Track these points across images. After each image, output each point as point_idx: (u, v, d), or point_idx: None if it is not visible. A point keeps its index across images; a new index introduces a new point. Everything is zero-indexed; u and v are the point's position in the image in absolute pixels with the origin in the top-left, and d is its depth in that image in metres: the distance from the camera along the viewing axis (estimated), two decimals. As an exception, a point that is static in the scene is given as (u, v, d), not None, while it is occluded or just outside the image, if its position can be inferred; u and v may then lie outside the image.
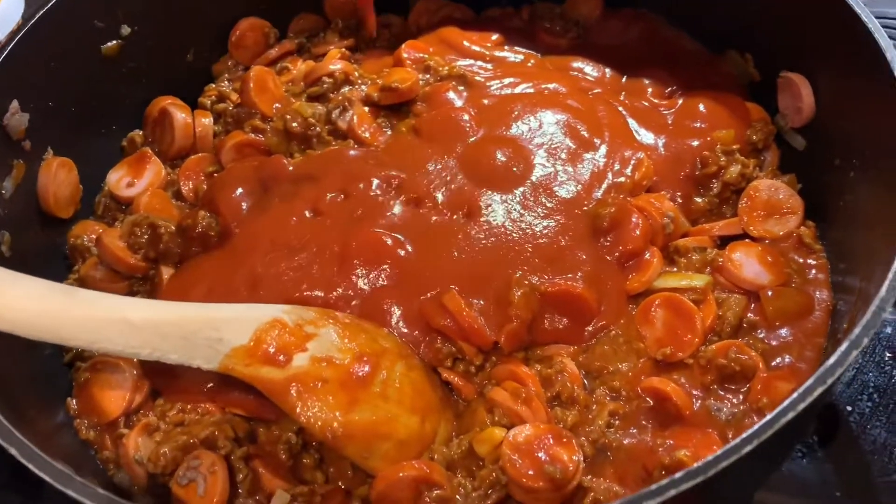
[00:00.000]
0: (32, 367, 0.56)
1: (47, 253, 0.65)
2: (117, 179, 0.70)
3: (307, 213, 0.64)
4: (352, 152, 0.68)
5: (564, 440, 0.51)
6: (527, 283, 0.57)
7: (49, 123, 0.64)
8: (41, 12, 0.62)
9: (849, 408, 0.64)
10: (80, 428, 0.57)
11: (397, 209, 0.64)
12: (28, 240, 0.61)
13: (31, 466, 0.40)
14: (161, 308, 0.51)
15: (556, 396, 0.55)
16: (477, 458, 0.53)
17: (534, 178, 0.64)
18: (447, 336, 0.56)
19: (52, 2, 0.63)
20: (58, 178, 0.64)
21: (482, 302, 0.57)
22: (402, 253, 0.61)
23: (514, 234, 0.60)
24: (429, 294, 0.58)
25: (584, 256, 0.59)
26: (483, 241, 0.60)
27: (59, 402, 0.58)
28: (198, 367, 0.51)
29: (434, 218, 0.63)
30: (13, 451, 0.40)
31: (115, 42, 0.70)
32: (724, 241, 0.63)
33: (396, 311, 0.58)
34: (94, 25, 0.68)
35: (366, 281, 0.60)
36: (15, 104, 0.60)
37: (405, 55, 0.75)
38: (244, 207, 0.65)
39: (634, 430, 0.54)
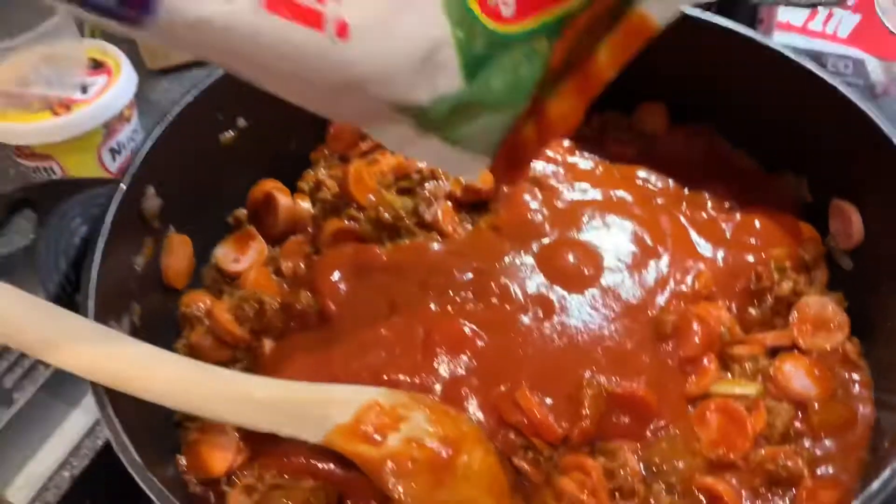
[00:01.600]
0: (149, 425, 0.62)
1: (162, 320, 0.72)
2: (224, 255, 0.78)
3: (395, 301, 0.71)
4: (436, 245, 0.76)
5: (625, 529, 0.57)
6: (596, 384, 0.63)
7: (173, 205, 0.72)
8: (178, 109, 0.71)
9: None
10: (189, 483, 0.63)
11: (476, 302, 0.71)
12: (150, 309, 0.69)
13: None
14: (280, 387, 0.58)
15: (618, 488, 0.60)
16: (544, 540, 0.59)
17: (603, 282, 0.71)
18: (520, 430, 0.62)
19: (185, 101, 0.72)
20: (177, 253, 0.72)
21: (552, 399, 0.63)
22: (481, 344, 0.67)
23: (585, 335, 0.67)
24: (503, 387, 0.64)
25: (648, 360, 0.66)
26: (555, 339, 0.67)
27: (169, 457, 0.64)
28: (304, 440, 0.58)
29: (510, 312, 0.70)
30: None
31: (231, 133, 0.78)
32: (774, 351, 0.69)
33: (474, 400, 0.64)
34: (217, 119, 0.76)
35: (446, 369, 0.66)
36: (151, 190, 0.68)
37: (487, 157, 0.82)
38: (341, 290, 0.72)
39: (688, 525, 0.60)
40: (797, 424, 0.65)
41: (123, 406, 0.55)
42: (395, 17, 0.41)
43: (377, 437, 0.58)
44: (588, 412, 0.61)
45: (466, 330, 0.68)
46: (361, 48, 0.40)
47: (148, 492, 0.49)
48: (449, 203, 0.79)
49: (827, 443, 0.64)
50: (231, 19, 0.35)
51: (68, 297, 0.62)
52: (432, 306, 0.70)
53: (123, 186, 0.65)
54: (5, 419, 0.75)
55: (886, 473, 0.47)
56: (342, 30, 0.39)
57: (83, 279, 0.60)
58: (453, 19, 0.44)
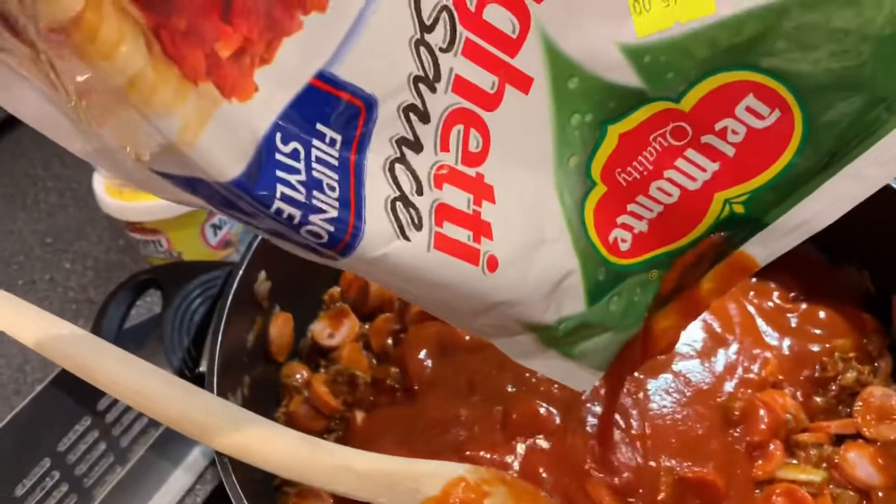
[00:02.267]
0: (253, 490, 0.68)
1: (263, 390, 0.79)
2: (320, 330, 0.85)
3: (475, 379, 0.77)
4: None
5: None
6: (673, 472, 0.67)
7: (279, 286, 0.79)
8: (286, 201, 0.79)
9: None
10: (289, 545, 0.69)
11: (552, 383, 0.76)
12: (256, 381, 0.76)
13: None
14: (377, 461, 0.64)
15: (690, 568, 0.64)
16: None
17: (674, 367, 0.75)
18: None
19: (293, 192, 0.80)
20: (282, 330, 0.80)
21: (625, 481, 0.67)
22: (556, 424, 0.72)
23: (657, 420, 0.71)
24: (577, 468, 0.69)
25: (717, 445, 0.69)
26: (630, 422, 0.72)
27: (270, 520, 0.71)
28: (397, 510, 0.63)
29: (585, 394, 0.75)
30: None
31: (330, 219, 0.86)
32: (839, 439, 0.72)
33: (549, 480, 0.69)
34: (318, 208, 0.84)
35: (523, 447, 0.71)
36: (262, 274, 0.76)
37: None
38: (427, 368, 0.78)
39: None
40: (862, 512, 0.67)
41: (237, 473, 0.62)
42: (533, 252, 0.47)
43: (463, 511, 0.63)
44: (664, 496, 0.65)
45: (542, 410, 0.73)
46: (505, 277, 0.46)
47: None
48: (526, 287, 0.85)
49: (891, 531, 0.66)
50: (406, 255, 0.41)
51: (190, 371, 0.70)
52: (510, 387, 0.76)
53: (241, 272, 0.72)
54: (120, 475, 0.83)
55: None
56: (492, 263, 0.45)
57: (205, 355, 0.68)
58: (580, 253, 0.50)
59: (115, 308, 0.74)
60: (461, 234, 0.43)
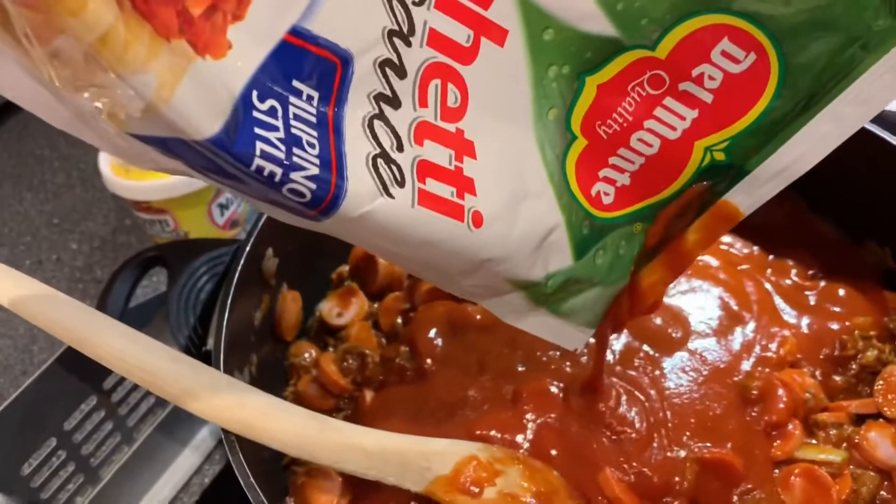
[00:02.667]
0: (262, 469, 0.67)
1: (272, 368, 0.78)
2: (329, 309, 0.84)
3: (486, 359, 0.75)
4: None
5: (711, 589, 0.59)
6: (693, 454, 0.65)
7: (286, 264, 0.78)
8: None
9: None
10: (297, 524, 0.68)
11: (563, 361, 0.74)
12: (264, 359, 0.75)
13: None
14: (386, 439, 0.63)
15: (704, 548, 0.63)
16: None
17: (690, 346, 0.73)
18: None
19: (301, 167, 0.78)
20: (289, 309, 0.79)
21: (642, 467, 0.65)
22: (566, 402, 0.71)
23: (675, 399, 0.70)
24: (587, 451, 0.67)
25: (735, 425, 0.68)
26: (643, 401, 0.70)
27: (278, 499, 0.70)
28: (407, 488, 0.62)
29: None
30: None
31: (338, 197, 0.84)
32: (859, 419, 0.71)
33: (560, 460, 0.67)
34: (326, 184, 0.83)
35: (533, 426, 0.70)
36: (270, 251, 0.75)
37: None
38: (437, 347, 0.77)
39: (772, 589, 0.62)
40: (883, 493, 0.66)
41: (245, 450, 0.61)
42: (517, 207, 0.47)
43: (475, 490, 0.61)
44: (688, 483, 0.64)
45: (553, 389, 0.72)
46: (491, 233, 0.46)
47: (274, 533, 0.54)
48: (538, 265, 0.83)
49: (914, 513, 0.65)
50: (390, 213, 0.40)
51: (196, 349, 0.69)
52: (520, 366, 0.74)
53: (247, 248, 0.71)
54: (127, 455, 0.82)
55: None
56: (477, 219, 0.45)
57: (211, 332, 0.67)
58: (563, 207, 0.51)
59: (120, 286, 0.72)
60: (444, 191, 0.43)
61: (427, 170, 0.43)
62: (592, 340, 0.62)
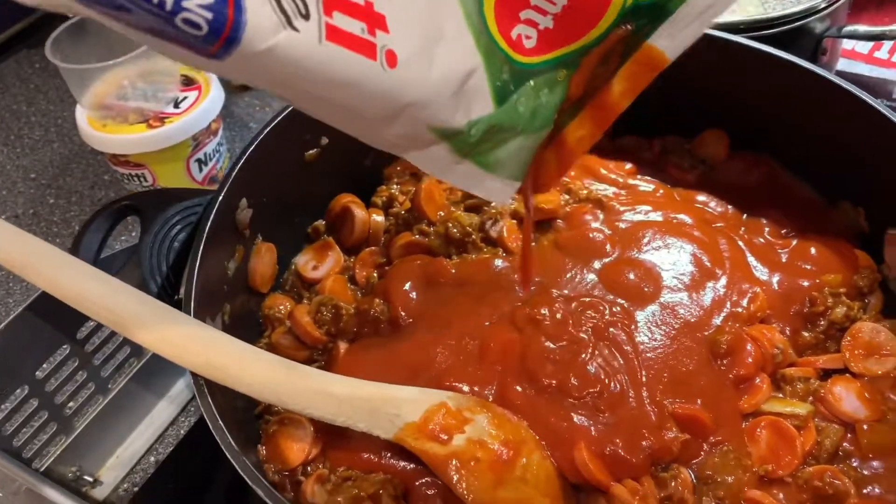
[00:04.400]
0: (235, 417, 0.68)
1: (246, 319, 0.78)
2: (304, 262, 0.84)
3: (460, 312, 0.75)
4: (500, 261, 0.79)
5: (674, 535, 0.60)
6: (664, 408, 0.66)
7: (262, 215, 0.78)
8: (267, 129, 0.77)
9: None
10: (268, 471, 0.68)
11: (539, 311, 0.74)
12: (237, 309, 0.75)
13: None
14: (357, 386, 0.63)
15: (669, 497, 0.64)
16: (597, 540, 0.62)
17: (662, 300, 0.74)
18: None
19: (275, 121, 0.78)
20: (264, 260, 0.79)
21: (615, 421, 0.66)
22: (535, 353, 0.71)
23: (648, 354, 0.70)
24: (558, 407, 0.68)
25: (706, 380, 0.69)
26: (615, 354, 0.70)
27: (251, 447, 0.70)
28: (377, 435, 0.63)
29: (571, 325, 0.73)
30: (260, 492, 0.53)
31: (315, 150, 0.84)
32: (826, 374, 0.72)
33: (528, 411, 0.67)
34: (303, 137, 0.82)
35: (502, 379, 0.70)
36: (244, 202, 0.75)
37: (551, 178, 0.87)
38: (412, 299, 0.77)
39: (734, 536, 0.63)
40: (846, 445, 0.67)
41: (216, 398, 0.61)
42: (434, 48, 0.46)
43: (444, 437, 0.62)
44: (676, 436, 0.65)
45: (522, 340, 0.72)
46: (407, 74, 0.45)
47: (240, 471, 0.54)
48: (513, 220, 0.83)
49: (875, 464, 0.66)
50: (297, 48, 0.39)
51: (169, 297, 0.68)
52: (492, 320, 0.74)
53: (220, 198, 0.71)
54: (101, 405, 0.82)
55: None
56: (391, 59, 0.44)
57: (183, 280, 0.66)
58: (483, 51, 0.49)
59: (92, 235, 0.72)
60: (354, 26, 0.42)
61: (334, 2, 0.41)
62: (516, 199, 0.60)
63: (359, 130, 0.50)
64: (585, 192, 0.85)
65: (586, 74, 0.54)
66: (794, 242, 0.80)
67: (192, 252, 0.67)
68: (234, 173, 0.73)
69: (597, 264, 0.78)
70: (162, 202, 0.74)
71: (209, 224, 0.69)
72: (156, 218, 0.72)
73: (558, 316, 0.73)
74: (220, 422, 0.56)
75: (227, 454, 0.55)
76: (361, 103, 0.45)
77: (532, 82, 0.52)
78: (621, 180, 0.88)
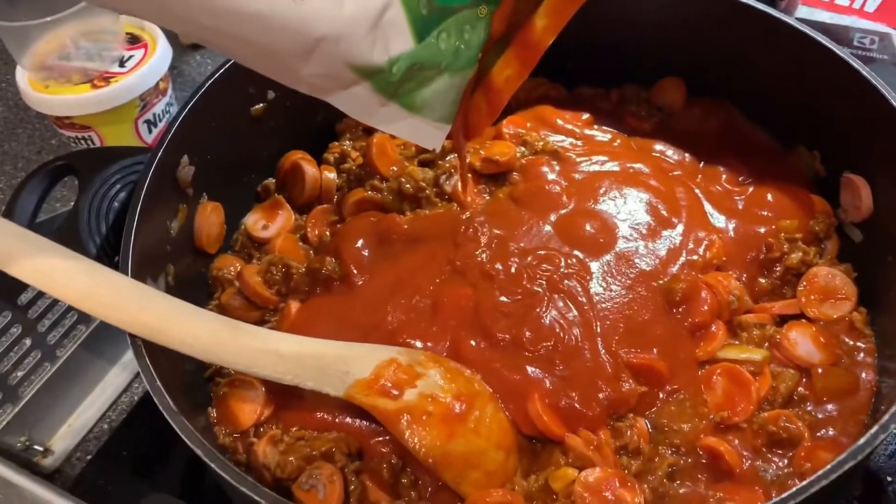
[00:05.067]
0: (182, 380, 0.66)
1: (194, 282, 0.76)
2: (254, 222, 0.82)
3: (414, 268, 0.74)
4: (452, 216, 0.78)
5: (629, 484, 0.60)
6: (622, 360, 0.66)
7: (206, 173, 0.75)
8: (209, 83, 0.74)
9: (889, 478, 0.71)
10: (219, 434, 0.67)
11: (493, 266, 0.73)
12: (183, 271, 0.73)
13: (214, 467, 0.51)
14: (304, 344, 0.62)
15: (624, 446, 0.63)
16: (551, 492, 0.61)
17: (618, 250, 0.73)
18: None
19: (217, 73, 0.75)
20: (210, 220, 0.76)
21: (570, 375, 0.65)
22: (496, 311, 0.70)
23: (604, 304, 0.69)
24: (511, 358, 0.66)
25: (662, 329, 0.68)
26: (570, 306, 0.69)
27: (200, 410, 0.68)
28: (326, 392, 0.61)
29: (528, 280, 0.72)
30: (200, 453, 0.51)
31: (261, 105, 0.81)
32: (782, 320, 0.71)
33: (483, 367, 0.66)
34: (248, 91, 0.80)
35: (455, 334, 0.68)
36: (185, 159, 0.72)
37: (505, 130, 0.85)
38: (364, 256, 0.75)
39: (689, 483, 0.62)
40: (801, 389, 0.67)
41: (159, 361, 0.59)
42: None
43: (395, 392, 0.61)
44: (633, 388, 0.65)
45: (475, 294, 0.70)
46: (317, 6, 0.44)
47: (181, 434, 0.52)
48: (468, 174, 0.82)
49: (829, 407, 0.66)
50: None
51: (109, 259, 0.66)
52: (448, 274, 0.73)
53: (159, 155, 0.68)
54: (49, 374, 0.80)
55: (874, 429, 0.49)
56: None
57: (122, 241, 0.64)
58: None
59: (26, 197, 0.69)
60: None
61: None
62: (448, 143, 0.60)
63: (276, 71, 0.49)
64: (541, 143, 0.83)
65: (508, 10, 0.53)
66: (751, 189, 0.80)
67: (130, 211, 0.65)
68: (173, 129, 0.70)
69: (553, 216, 0.77)
70: (100, 161, 0.71)
71: (147, 182, 0.66)
72: (94, 178, 0.69)
73: (512, 270, 0.72)
74: (159, 382, 0.55)
75: (165, 415, 0.53)
76: (271, 38, 0.44)
77: (453, 18, 0.51)
78: (578, 131, 0.87)
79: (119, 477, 0.81)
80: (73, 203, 0.67)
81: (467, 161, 0.81)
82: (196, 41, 0.52)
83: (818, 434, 0.64)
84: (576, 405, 0.64)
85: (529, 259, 0.73)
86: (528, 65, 0.56)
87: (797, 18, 1.09)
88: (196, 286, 0.77)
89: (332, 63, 0.47)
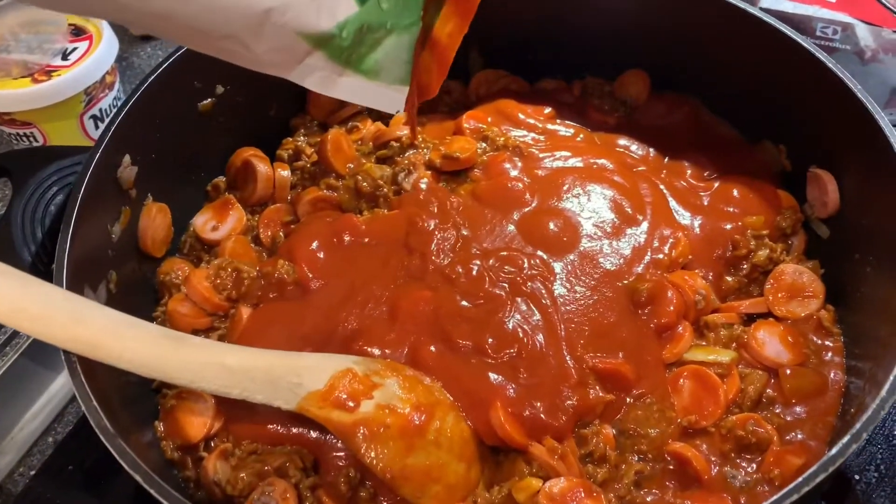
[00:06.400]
0: (125, 392, 0.63)
1: (140, 287, 0.72)
2: (203, 223, 0.78)
3: (373, 270, 0.71)
4: (417, 213, 0.75)
5: (594, 494, 0.57)
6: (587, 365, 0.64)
7: (150, 173, 0.71)
8: (151, 77, 0.70)
9: (857, 476, 0.70)
10: (166, 449, 0.64)
11: (454, 268, 0.71)
12: (127, 276, 0.69)
13: (152, 492, 0.47)
14: (252, 355, 0.59)
15: (589, 454, 0.61)
16: (515, 504, 0.59)
17: (582, 250, 0.70)
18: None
19: (160, 68, 0.71)
20: (155, 222, 0.72)
21: (535, 383, 0.62)
22: (445, 311, 0.67)
23: (569, 307, 0.67)
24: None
25: (628, 331, 0.66)
26: (534, 310, 0.67)
27: (147, 423, 0.65)
28: (278, 406, 0.58)
29: (490, 282, 0.69)
30: (138, 478, 0.48)
31: (210, 100, 0.78)
32: (750, 318, 0.70)
33: (443, 374, 0.63)
34: (194, 85, 0.76)
35: (414, 340, 0.65)
36: (127, 158, 0.68)
37: (466, 125, 0.82)
38: (319, 259, 0.72)
39: (657, 491, 0.60)
40: (769, 391, 0.65)
41: (99, 373, 0.56)
42: None
43: (350, 404, 0.58)
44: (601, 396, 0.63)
45: (434, 298, 0.67)
46: None
47: (116, 456, 0.49)
48: (428, 171, 0.79)
49: (798, 409, 0.64)
50: None
51: (45, 266, 0.62)
52: (407, 277, 0.70)
53: (98, 155, 0.64)
54: (-13, 386, 0.76)
55: (846, 438, 0.47)
56: None
57: (57, 247, 0.60)
58: None
59: (-44, 200, 0.65)
60: None
61: None
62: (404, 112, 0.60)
63: (232, 52, 0.49)
64: (503, 139, 0.81)
65: None
66: (717, 185, 0.78)
67: (66, 216, 0.61)
68: (113, 127, 0.66)
69: (516, 215, 0.74)
70: (36, 162, 0.67)
71: (85, 184, 0.63)
72: (28, 179, 0.66)
73: (474, 272, 0.70)
74: (95, 402, 0.51)
75: (102, 439, 0.50)
76: (221, 17, 0.45)
77: None
78: (540, 125, 0.84)
79: (66, 493, 0.76)
80: (5, 207, 0.63)
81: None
82: (146, 31, 0.50)
83: (787, 437, 0.62)
84: (541, 415, 0.62)
85: (492, 261, 0.70)
86: (467, 16, 0.56)
87: (760, 8, 1.07)
88: (141, 292, 0.73)
89: (283, 34, 0.49)
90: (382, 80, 0.56)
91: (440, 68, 0.59)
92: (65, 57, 0.97)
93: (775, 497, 0.45)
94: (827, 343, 0.68)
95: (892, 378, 0.50)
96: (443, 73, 0.59)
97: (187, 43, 0.52)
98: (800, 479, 0.46)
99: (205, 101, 0.78)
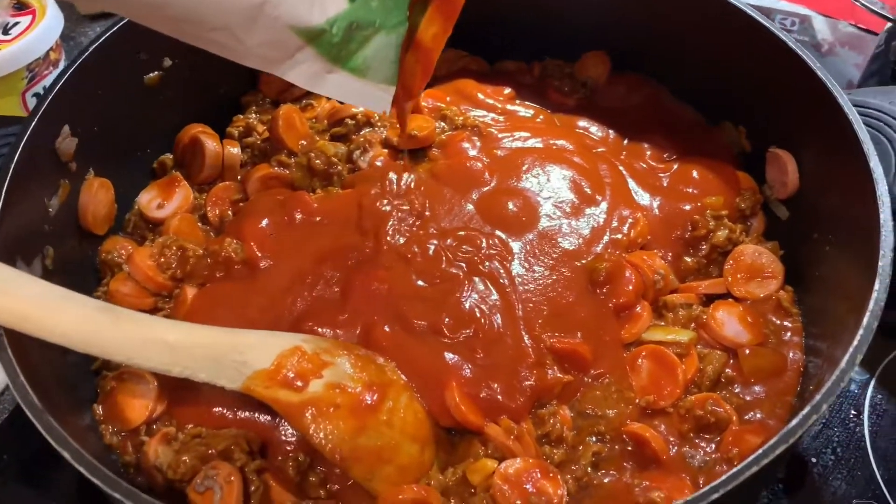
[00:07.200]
0: (62, 374, 0.60)
1: (80, 266, 0.69)
2: (148, 201, 0.75)
3: (324, 250, 0.69)
4: (370, 192, 0.73)
5: (551, 475, 0.56)
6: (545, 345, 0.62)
7: (92, 146, 0.68)
8: (94, 45, 0.67)
9: (814, 459, 0.69)
10: (105, 433, 0.61)
11: (410, 248, 0.69)
12: (66, 254, 0.66)
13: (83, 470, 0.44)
14: (194, 331, 0.56)
15: (546, 435, 0.59)
16: (469, 486, 0.57)
17: (541, 229, 0.69)
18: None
19: (103, 36, 0.68)
20: (97, 197, 0.69)
21: (492, 364, 0.61)
22: (412, 294, 0.65)
23: (527, 286, 0.65)
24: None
25: (586, 311, 0.64)
26: (491, 289, 0.65)
27: (85, 407, 0.62)
28: (222, 386, 0.56)
29: (447, 261, 0.68)
30: (66, 455, 0.45)
31: (156, 73, 0.75)
32: (709, 299, 0.69)
33: (397, 354, 0.61)
34: (139, 58, 0.73)
35: (368, 320, 0.63)
36: (66, 129, 0.65)
37: (424, 104, 0.80)
38: (269, 238, 0.69)
39: (614, 472, 0.59)
40: (728, 371, 0.64)
41: (31, 352, 0.53)
42: None
43: (299, 383, 0.56)
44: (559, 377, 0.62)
45: (399, 281, 0.66)
46: None
47: (46, 435, 0.46)
48: (385, 150, 0.77)
49: (757, 388, 0.63)
50: None
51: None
52: (361, 256, 0.68)
53: (33, 124, 0.61)
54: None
55: (806, 410, 0.46)
56: None
57: (-12, 219, 0.57)
58: None
59: None
60: None
61: None
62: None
63: (221, 42, 0.49)
64: (462, 118, 0.79)
65: None
66: (676, 166, 0.77)
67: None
68: (51, 96, 0.63)
69: (475, 195, 0.73)
70: (-33, 132, 0.63)
71: (18, 154, 0.59)
72: (-42, 150, 0.62)
73: (431, 252, 0.68)
74: (22, 378, 0.48)
75: (28, 413, 0.47)
76: (215, 6, 0.46)
77: None
78: (500, 106, 0.83)
79: (1, 485, 0.73)
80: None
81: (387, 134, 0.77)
82: (137, 19, 0.49)
83: (746, 417, 0.61)
84: (498, 396, 0.60)
85: (449, 241, 0.69)
86: (450, 18, 0.57)
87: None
88: (82, 271, 0.70)
89: (276, 27, 0.49)
90: (370, 78, 0.56)
91: (424, 71, 0.59)
92: (6, 31, 0.93)
93: (735, 468, 0.44)
94: (786, 323, 0.67)
95: (851, 350, 0.49)
96: (426, 76, 0.60)
97: (177, 33, 0.51)
98: (759, 451, 0.45)
99: (151, 75, 0.74)
